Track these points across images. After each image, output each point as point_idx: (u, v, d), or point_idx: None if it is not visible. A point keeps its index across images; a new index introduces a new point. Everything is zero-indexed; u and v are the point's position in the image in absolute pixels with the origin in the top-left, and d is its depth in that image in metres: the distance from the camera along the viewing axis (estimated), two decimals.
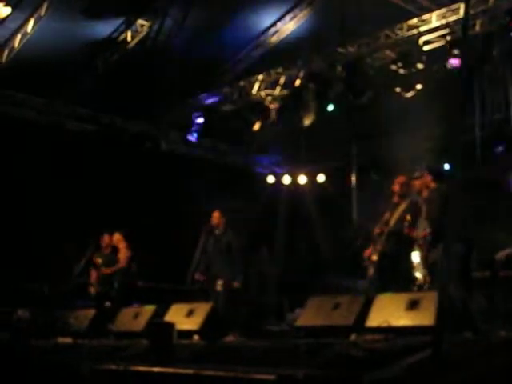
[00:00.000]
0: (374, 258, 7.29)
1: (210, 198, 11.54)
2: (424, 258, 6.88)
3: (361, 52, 10.99)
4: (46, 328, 8.61)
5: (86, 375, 5.34)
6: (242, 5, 11.01)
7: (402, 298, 5.64)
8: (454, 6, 9.91)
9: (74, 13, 10.50)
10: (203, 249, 8.85)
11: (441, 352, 3.60)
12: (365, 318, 5.69)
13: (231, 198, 11.89)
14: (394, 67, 10.54)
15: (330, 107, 11.98)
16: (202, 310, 7.19)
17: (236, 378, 4.14)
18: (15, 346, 7.27)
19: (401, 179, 7.51)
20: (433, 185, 6.96)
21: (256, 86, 12.49)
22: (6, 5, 9.90)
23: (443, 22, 10.07)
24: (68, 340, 7.90)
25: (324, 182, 14.45)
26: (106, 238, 10.25)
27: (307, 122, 11.84)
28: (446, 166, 7.23)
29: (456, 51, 9.81)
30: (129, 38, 11.36)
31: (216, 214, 9.04)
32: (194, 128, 13.53)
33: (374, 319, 5.62)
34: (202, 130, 13.42)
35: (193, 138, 13.62)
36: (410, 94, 10.66)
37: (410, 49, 10.51)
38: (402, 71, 10.49)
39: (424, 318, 5.18)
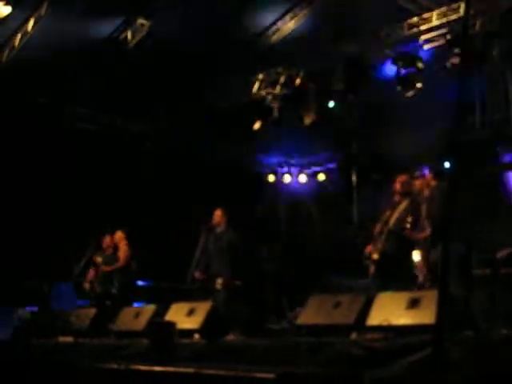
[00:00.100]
0: (375, 256, 7.29)
1: (210, 197, 11.53)
2: (424, 257, 6.89)
3: (361, 50, 10.99)
4: (46, 327, 8.62)
5: (87, 374, 5.34)
6: (242, 3, 11.00)
7: (403, 297, 5.65)
8: (454, 5, 9.91)
9: (74, 12, 10.49)
10: (203, 247, 8.84)
11: (441, 351, 3.60)
12: (365, 317, 5.70)
13: (231, 197, 11.89)
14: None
15: (331, 104, 12.01)
16: (203, 309, 7.20)
17: (237, 376, 4.14)
18: (16, 345, 7.28)
19: (402, 178, 7.50)
20: (433, 183, 6.97)
21: (256, 85, 12.50)
22: (6, 4, 9.90)
23: (443, 20, 10.08)
24: (69, 339, 7.91)
25: (324, 181, 14.46)
26: (107, 239, 10.27)
27: (308, 120, 11.84)
28: (447, 165, 7.22)
29: (456, 50, 9.82)
30: (129, 38, 11.36)
31: (218, 212, 9.04)
32: (193, 127, 13.53)
33: (375, 318, 5.63)
34: (202, 129, 13.42)
35: (192, 136, 13.62)
36: (410, 94, 10.67)
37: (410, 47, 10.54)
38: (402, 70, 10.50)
39: (424, 316, 5.19)
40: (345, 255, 11.75)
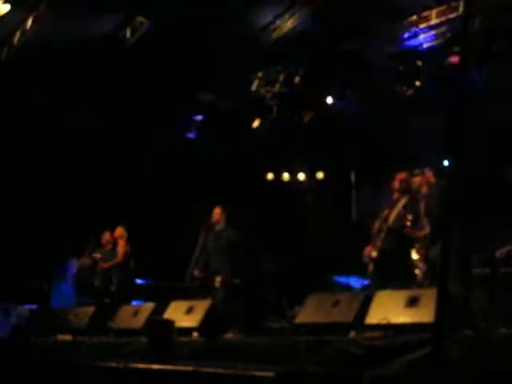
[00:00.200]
0: (374, 254, 7.28)
1: (209, 195, 11.53)
2: (424, 255, 6.88)
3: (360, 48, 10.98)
4: (45, 325, 8.62)
5: (86, 372, 5.34)
6: (241, 1, 10.98)
7: (402, 295, 5.64)
8: (453, 4, 9.90)
9: (73, 10, 10.47)
10: (203, 246, 8.83)
11: (440, 349, 3.59)
12: (364, 315, 5.70)
13: (230, 196, 11.88)
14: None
15: (329, 100, 12.02)
16: (202, 307, 7.20)
17: (235, 374, 4.14)
18: (15, 343, 7.28)
19: (401, 175, 7.49)
20: (433, 181, 6.97)
21: (255, 83, 12.48)
22: (5, 2, 9.88)
23: (443, 19, 10.06)
24: (68, 337, 7.91)
25: (323, 179, 14.46)
26: (106, 235, 10.31)
27: (307, 118, 11.85)
28: (446, 162, 7.22)
29: (456, 49, 9.81)
30: (128, 35, 11.34)
31: (217, 210, 9.02)
32: (192, 125, 13.54)
33: (374, 316, 5.63)
34: (202, 128, 13.42)
35: (192, 135, 13.62)
36: (409, 93, 10.67)
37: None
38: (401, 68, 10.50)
39: (423, 315, 5.18)
40: (344, 254, 11.76)
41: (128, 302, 9.38)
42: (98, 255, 10.20)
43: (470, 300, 6.43)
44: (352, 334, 5.69)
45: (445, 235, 3.91)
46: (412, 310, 5.41)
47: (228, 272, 8.72)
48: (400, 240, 7.18)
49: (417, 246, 7.13)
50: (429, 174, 7.09)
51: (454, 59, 9.79)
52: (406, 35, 10.47)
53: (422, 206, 7.01)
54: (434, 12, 10.16)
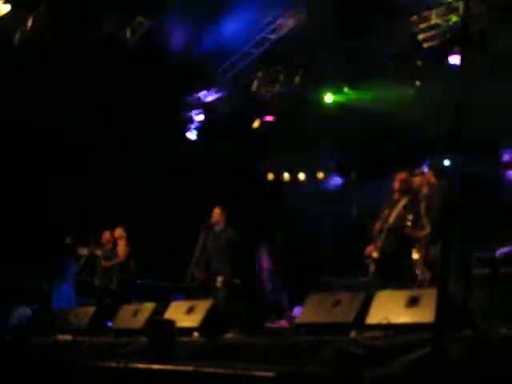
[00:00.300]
0: (375, 254, 7.28)
1: (209, 196, 11.53)
2: (424, 256, 6.88)
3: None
4: (45, 325, 8.62)
5: (86, 372, 5.34)
6: (241, 1, 11.00)
7: (402, 295, 5.64)
8: (453, 4, 9.90)
9: (74, 10, 10.48)
10: (203, 246, 8.83)
11: (441, 349, 3.60)
12: (365, 315, 5.69)
13: (231, 196, 11.89)
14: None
15: (329, 98, 12.04)
16: (202, 307, 7.20)
17: (236, 375, 4.14)
18: (15, 343, 7.28)
19: (401, 176, 7.49)
20: (433, 181, 6.96)
21: (256, 84, 12.50)
22: (6, 2, 9.89)
23: (443, 19, 10.07)
24: (68, 337, 7.91)
25: (323, 179, 14.46)
26: (106, 235, 10.32)
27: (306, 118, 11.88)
28: (447, 162, 7.22)
29: (456, 48, 9.81)
30: (128, 36, 11.35)
31: (217, 211, 9.02)
32: (193, 126, 13.55)
33: (374, 316, 5.62)
34: (202, 128, 13.43)
35: (192, 135, 13.64)
36: (409, 93, 10.68)
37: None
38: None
39: (424, 315, 5.18)
40: (345, 254, 11.76)
41: (128, 301, 9.39)
42: (99, 252, 10.24)
43: (470, 300, 6.43)
44: (352, 333, 5.69)
45: (445, 235, 3.91)
46: (412, 310, 5.40)
47: (228, 272, 8.72)
48: (400, 240, 7.18)
49: (417, 246, 7.13)
50: (429, 174, 7.09)
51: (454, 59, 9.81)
52: None
53: (423, 206, 7.00)
54: (434, 12, 10.17)
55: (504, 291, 7.87)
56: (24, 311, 10.06)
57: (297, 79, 12.13)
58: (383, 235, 7.28)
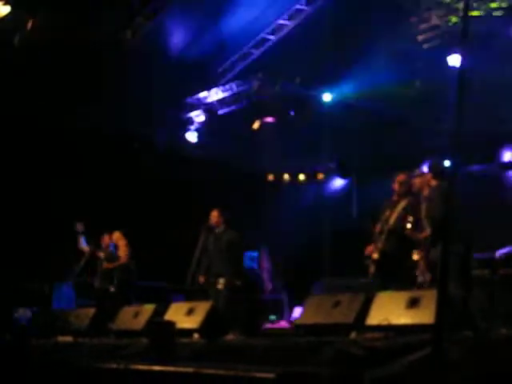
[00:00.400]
0: (375, 256, 7.28)
1: (209, 197, 11.53)
2: (424, 257, 6.88)
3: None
4: (46, 327, 8.62)
5: (87, 374, 5.34)
6: (241, 3, 11.01)
7: (402, 297, 5.64)
8: (453, 5, 9.91)
9: (74, 10, 10.49)
10: (203, 247, 8.83)
11: (441, 350, 3.60)
12: (365, 316, 5.70)
13: (230, 197, 11.89)
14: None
15: (328, 97, 12.06)
16: (202, 308, 7.20)
17: (236, 376, 4.14)
18: (16, 345, 7.28)
19: (401, 177, 7.48)
20: (433, 182, 6.96)
21: (256, 85, 12.51)
22: (5, 3, 9.89)
23: (443, 20, 10.08)
24: (68, 339, 7.92)
25: (323, 180, 14.48)
26: (105, 238, 10.32)
27: (306, 120, 11.89)
28: (447, 163, 7.22)
29: (456, 49, 9.83)
30: (128, 36, 11.35)
31: (214, 213, 8.99)
32: (193, 127, 13.56)
33: (375, 317, 5.63)
34: (202, 130, 13.44)
35: (192, 137, 13.64)
36: (410, 94, 10.70)
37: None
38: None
39: (424, 316, 5.18)
40: (345, 254, 11.77)
41: (128, 303, 9.39)
42: (101, 254, 10.24)
43: (470, 301, 6.43)
44: (353, 334, 5.69)
45: (445, 237, 3.92)
46: (412, 311, 5.41)
47: (229, 274, 8.71)
48: (401, 242, 7.18)
49: (418, 247, 7.13)
50: (429, 175, 7.09)
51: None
52: None
53: (423, 207, 7.00)
54: (434, 13, 10.19)
55: (504, 292, 7.88)
56: (25, 313, 10.08)
57: (297, 79, 12.14)
58: (383, 237, 7.28)
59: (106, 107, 12.52)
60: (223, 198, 10.83)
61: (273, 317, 11.70)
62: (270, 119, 12.87)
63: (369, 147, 12.85)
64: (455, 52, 9.84)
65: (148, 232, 11.89)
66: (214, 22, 11.39)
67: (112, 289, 9.91)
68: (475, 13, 9.35)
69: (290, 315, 11.44)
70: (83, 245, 10.52)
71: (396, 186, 7.47)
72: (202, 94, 13.11)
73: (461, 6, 9.54)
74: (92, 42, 11.31)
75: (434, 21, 10.12)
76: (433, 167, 7.13)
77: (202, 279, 8.70)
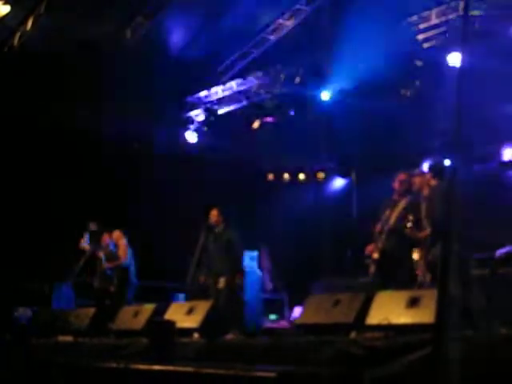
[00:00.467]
0: (375, 255, 7.29)
1: (209, 196, 11.53)
2: (424, 256, 6.89)
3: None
4: (46, 326, 8.62)
5: (87, 373, 5.34)
6: (241, 2, 11.01)
7: (403, 296, 5.64)
8: (453, 4, 9.91)
9: (74, 10, 10.49)
10: (203, 246, 8.83)
11: (441, 350, 3.60)
12: (365, 316, 5.69)
13: (231, 197, 11.89)
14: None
15: (326, 96, 12.05)
16: (202, 307, 7.19)
17: (236, 375, 4.14)
18: (16, 344, 7.28)
19: (401, 176, 7.49)
20: (433, 182, 6.96)
21: (256, 84, 12.51)
22: (5, 3, 9.89)
23: (443, 19, 10.07)
24: (68, 338, 7.91)
25: (323, 180, 14.47)
26: (105, 237, 10.30)
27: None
28: (447, 163, 7.22)
29: (455, 49, 9.82)
30: (128, 36, 11.35)
31: (214, 212, 9.00)
32: (193, 126, 13.55)
33: (375, 317, 5.62)
34: (202, 129, 13.44)
35: (192, 136, 13.64)
36: (409, 93, 10.69)
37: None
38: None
39: (424, 315, 5.18)
40: (345, 254, 11.77)
41: (128, 302, 9.39)
42: (101, 253, 10.23)
43: (470, 300, 6.42)
44: (353, 334, 5.69)
45: (445, 236, 3.91)
46: (413, 311, 5.40)
47: (229, 273, 8.71)
48: (401, 241, 7.18)
49: (418, 247, 7.13)
50: (429, 175, 7.09)
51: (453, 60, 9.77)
52: None
53: (423, 207, 7.00)
54: (433, 12, 10.18)
55: (504, 291, 7.88)
56: (25, 312, 10.08)
57: (297, 79, 12.13)
58: (384, 236, 7.29)
59: (105, 107, 12.53)
60: (223, 197, 10.83)
61: (273, 316, 11.71)
62: (269, 119, 12.86)
63: (369, 147, 12.84)
64: (455, 50, 9.83)
65: (148, 232, 11.89)
66: (214, 22, 11.38)
67: (112, 288, 9.91)
68: (475, 12, 9.35)
69: (290, 315, 11.44)
70: (85, 243, 10.49)
71: (396, 185, 7.47)
72: (202, 94, 13.11)
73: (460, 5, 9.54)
74: (92, 42, 11.32)
75: (434, 20, 10.12)
76: (433, 167, 7.14)
77: (202, 278, 8.70)
